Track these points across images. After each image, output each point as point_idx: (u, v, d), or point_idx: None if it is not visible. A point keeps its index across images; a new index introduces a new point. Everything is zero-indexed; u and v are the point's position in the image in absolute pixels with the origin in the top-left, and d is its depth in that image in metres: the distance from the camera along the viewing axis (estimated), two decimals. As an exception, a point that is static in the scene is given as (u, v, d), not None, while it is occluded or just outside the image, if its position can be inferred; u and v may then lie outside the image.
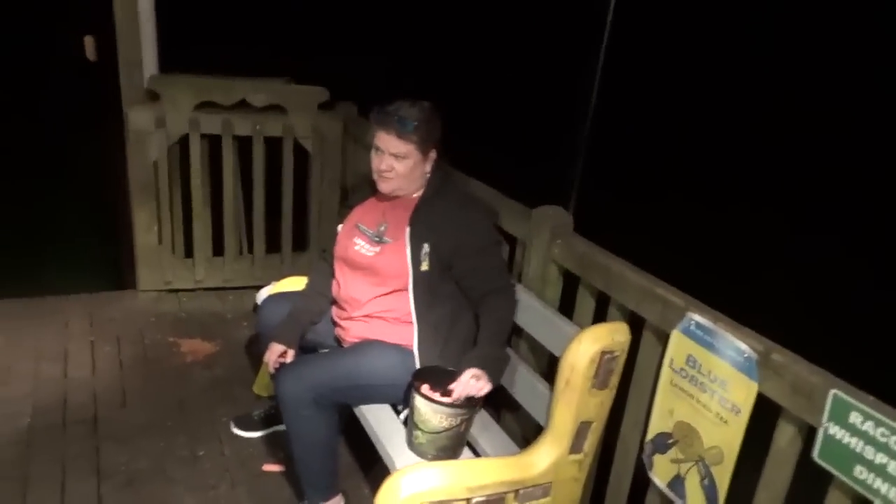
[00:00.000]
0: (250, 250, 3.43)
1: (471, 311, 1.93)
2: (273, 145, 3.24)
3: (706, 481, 1.47)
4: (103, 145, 3.18)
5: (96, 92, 3.18)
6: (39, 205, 5.42)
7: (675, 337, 1.52)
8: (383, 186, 1.89)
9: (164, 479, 2.17)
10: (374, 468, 2.25)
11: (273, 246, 3.41)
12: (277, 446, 2.34)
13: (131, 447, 2.29)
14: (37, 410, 2.45)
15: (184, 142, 3.11)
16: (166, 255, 3.25)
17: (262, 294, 2.95)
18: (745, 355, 1.37)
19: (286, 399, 1.78)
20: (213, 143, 3.22)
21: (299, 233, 3.47)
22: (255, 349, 2.94)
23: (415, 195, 1.94)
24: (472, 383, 1.66)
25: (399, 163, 1.85)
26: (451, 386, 1.66)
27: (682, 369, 1.52)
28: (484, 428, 1.91)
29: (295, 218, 3.37)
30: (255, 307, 3.14)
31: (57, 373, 2.69)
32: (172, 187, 3.21)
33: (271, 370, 2.02)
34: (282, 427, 2.37)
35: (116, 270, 3.55)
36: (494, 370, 1.73)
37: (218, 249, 3.36)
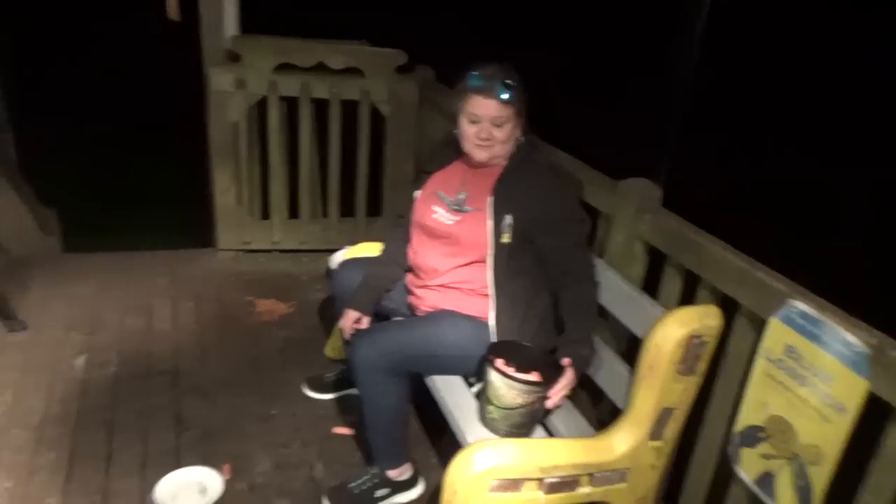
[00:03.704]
0: (325, 214, 3.45)
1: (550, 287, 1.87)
2: (349, 109, 3.22)
3: (800, 482, 1.37)
4: (188, 108, 3.24)
5: (181, 53, 3.23)
6: (130, 167, 5.66)
7: (774, 325, 1.42)
8: (480, 155, 1.82)
9: (239, 434, 2.23)
10: (442, 438, 2.24)
11: (347, 210, 3.41)
12: (348, 410, 2.36)
13: (209, 402, 2.36)
14: (122, 360, 2.56)
15: (262, 103, 3.13)
16: (244, 215, 3.31)
17: (336, 258, 2.96)
18: (855, 349, 1.25)
19: (360, 366, 1.77)
20: (290, 106, 3.23)
21: (373, 198, 3.46)
22: (328, 312, 2.97)
23: (499, 164, 1.87)
24: (567, 390, 1.68)
25: (499, 130, 1.78)
26: (550, 394, 1.65)
27: (779, 360, 1.41)
28: (558, 408, 1.85)
29: (369, 183, 3.36)
30: (328, 271, 3.17)
31: (141, 325, 2.80)
32: (251, 149, 3.24)
33: (346, 336, 2.02)
34: (352, 391, 2.39)
35: (199, 230, 3.66)
36: (584, 367, 1.72)
37: (294, 212, 3.40)
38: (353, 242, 3.26)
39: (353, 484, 1.95)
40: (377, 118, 3.26)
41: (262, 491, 2.01)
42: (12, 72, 4.24)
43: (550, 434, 1.77)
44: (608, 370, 1.80)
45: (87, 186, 5.24)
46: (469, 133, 1.81)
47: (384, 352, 1.77)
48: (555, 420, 1.79)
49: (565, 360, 1.68)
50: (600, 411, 2.05)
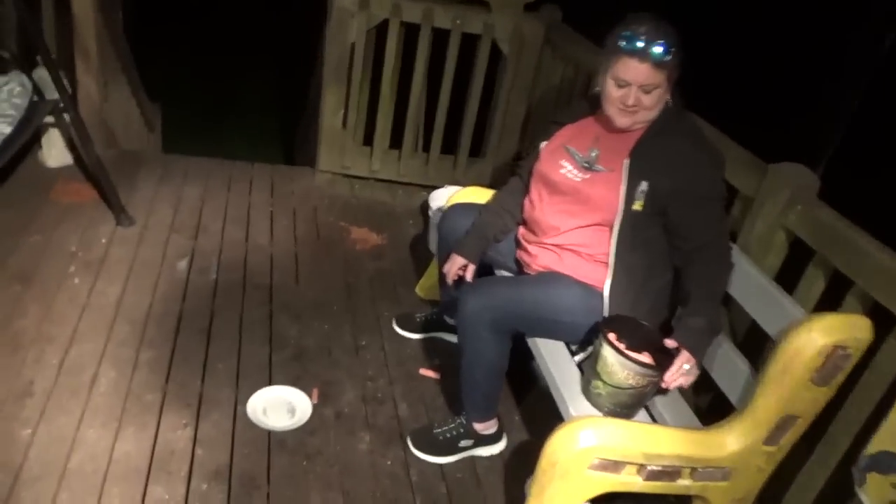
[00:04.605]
0: (425, 148, 3.38)
1: (670, 264, 1.75)
2: (466, 43, 3.08)
3: (939, 522, 1.26)
4: (303, 24, 3.18)
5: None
6: (237, 78, 5.72)
7: (942, 351, 1.28)
8: (623, 121, 1.69)
9: (329, 361, 2.25)
10: (526, 398, 2.21)
11: (448, 147, 3.32)
12: (435, 353, 2.34)
13: (301, 324, 2.39)
14: (222, 268, 2.61)
15: (381, 28, 3.03)
16: (348, 139, 3.27)
17: (435, 196, 2.92)
18: None
19: (467, 317, 1.73)
20: (408, 34, 3.12)
21: (477, 138, 3.35)
22: (419, 248, 2.95)
23: (639, 127, 1.73)
24: (685, 369, 1.54)
25: (647, 96, 1.63)
26: (666, 376, 1.54)
27: (940, 389, 1.28)
28: (665, 392, 1.77)
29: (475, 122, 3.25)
30: (424, 207, 3.13)
31: (240, 236, 2.84)
32: (363, 73, 3.17)
33: (450, 281, 1.98)
34: (440, 334, 2.39)
35: (290, 148, 3.67)
36: (704, 348, 1.58)
37: (395, 143, 3.33)
38: (451, 181, 3.19)
39: (438, 430, 1.95)
40: (495, 56, 3.12)
41: (348, 421, 2.03)
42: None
43: (654, 419, 1.70)
44: (724, 362, 1.70)
45: (190, 89, 5.32)
46: (614, 97, 1.67)
47: (494, 306, 1.71)
48: (660, 405, 1.71)
49: (669, 342, 1.56)
50: (701, 400, 1.96)
